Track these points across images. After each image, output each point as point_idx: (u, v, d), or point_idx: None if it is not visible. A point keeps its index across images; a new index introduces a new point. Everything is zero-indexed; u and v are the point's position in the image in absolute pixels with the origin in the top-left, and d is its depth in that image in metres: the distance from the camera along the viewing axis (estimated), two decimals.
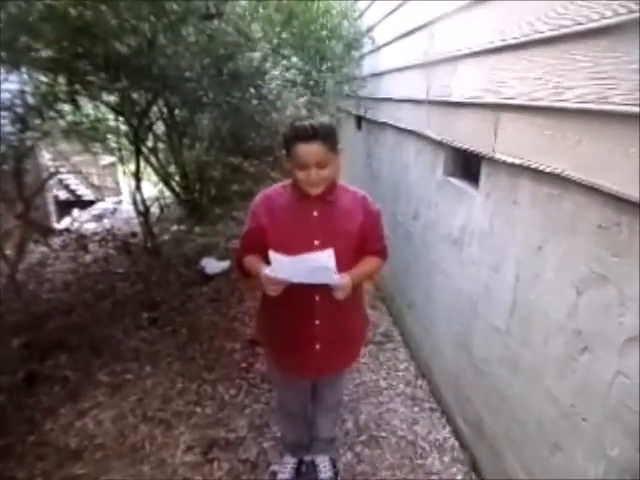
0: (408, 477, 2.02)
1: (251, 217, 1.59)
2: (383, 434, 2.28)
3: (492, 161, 1.73)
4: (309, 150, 1.40)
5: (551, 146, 1.37)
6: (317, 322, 1.55)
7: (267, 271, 1.40)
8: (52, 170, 3.24)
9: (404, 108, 2.74)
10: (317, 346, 1.59)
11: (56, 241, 4.23)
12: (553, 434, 1.41)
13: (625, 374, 1.10)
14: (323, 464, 2.00)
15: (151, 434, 2.30)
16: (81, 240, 3.92)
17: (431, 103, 2.26)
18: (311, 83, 3.39)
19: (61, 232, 4.17)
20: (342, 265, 1.40)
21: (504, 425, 1.74)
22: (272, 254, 1.36)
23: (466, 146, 1.89)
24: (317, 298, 1.52)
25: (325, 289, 1.45)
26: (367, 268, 1.60)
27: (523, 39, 1.48)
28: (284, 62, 3.46)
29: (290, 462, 2.00)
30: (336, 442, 2.11)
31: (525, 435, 1.59)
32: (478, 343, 1.94)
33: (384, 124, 3.27)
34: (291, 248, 1.37)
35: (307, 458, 2.06)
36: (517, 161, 1.54)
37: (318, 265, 1.35)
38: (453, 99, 2.01)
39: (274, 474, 2.01)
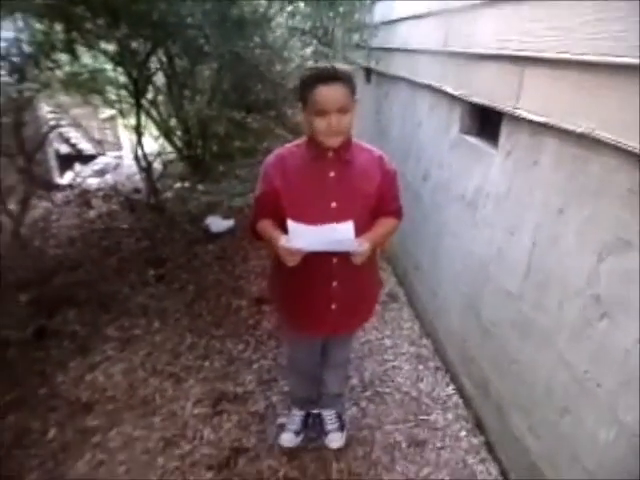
0: (413, 431, 2.07)
1: (264, 179, 1.52)
2: (387, 390, 2.32)
3: (514, 118, 1.64)
4: (330, 92, 1.31)
5: (581, 104, 1.28)
6: (334, 284, 1.54)
7: (284, 242, 1.37)
8: (53, 123, 3.13)
9: (419, 60, 2.59)
10: (333, 306, 1.58)
11: (59, 196, 4.18)
12: (563, 398, 1.42)
13: None
14: (329, 417, 2.05)
15: (161, 387, 2.35)
16: (84, 195, 3.86)
17: (449, 55, 2.13)
18: (319, 32, 3.20)
19: (64, 187, 4.11)
20: (359, 227, 1.36)
21: (511, 387, 1.76)
22: (290, 224, 1.32)
23: (486, 102, 1.80)
24: (335, 261, 1.50)
25: (342, 252, 1.43)
26: (383, 231, 1.56)
27: None
28: (290, 8, 3.25)
29: (298, 414, 2.06)
30: (343, 398, 2.16)
31: (533, 398, 1.60)
32: (487, 306, 1.93)
33: (396, 77, 3.12)
34: (307, 211, 1.34)
35: (314, 411, 2.11)
36: (542, 119, 1.46)
37: (338, 237, 1.32)
38: (473, 51, 1.89)
39: (282, 426, 2.07)
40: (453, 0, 2.09)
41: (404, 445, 2.00)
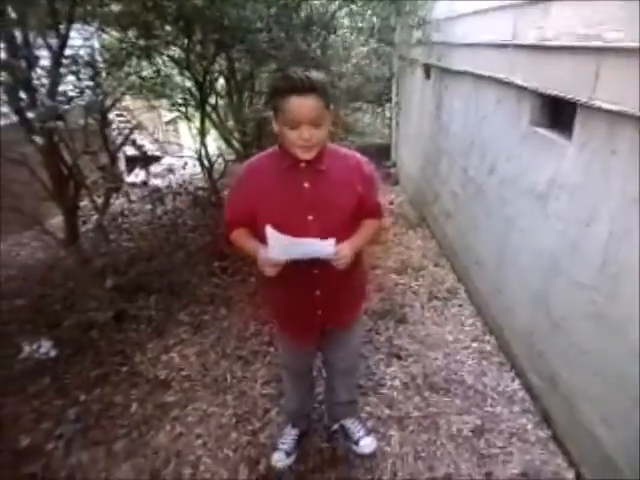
0: (477, 422, 2.08)
1: (236, 190, 1.49)
2: (451, 382, 2.34)
3: (589, 109, 1.62)
4: (303, 104, 1.25)
5: None
6: (317, 292, 1.53)
7: (263, 253, 1.35)
8: (132, 125, 3.40)
9: (484, 53, 2.59)
10: (319, 312, 1.58)
11: (132, 194, 4.50)
12: (637, 388, 1.40)
13: None
14: (353, 425, 1.98)
15: (231, 369, 2.51)
16: (156, 193, 4.13)
17: (518, 47, 2.13)
18: (381, 29, 3.26)
19: (136, 185, 4.43)
20: (338, 238, 1.35)
21: (582, 379, 1.74)
22: (270, 232, 1.29)
23: (559, 93, 1.78)
24: (316, 271, 1.47)
25: (324, 261, 1.40)
26: (365, 235, 1.55)
27: None
28: (353, 7, 3.32)
29: (292, 433, 2.00)
30: (357, 404, 2.12)
31: (606, 389, 1.59)
32: (558, 299, 1.91)
33: (458, 72, 3.12)
34: (283, 225, 1.30)
35: (335, 426, 2.07)
36: (619, 108, 1.45)
37: (318, 250, 1.32)
38: (545, 43, 1.88)
39: (274, 444, 2.01)
40: None
41: (469, 434, 2.02)
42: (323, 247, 1.30)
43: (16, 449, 2.10)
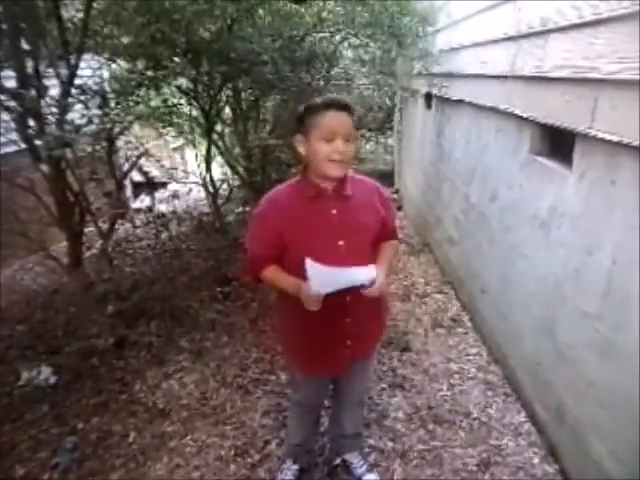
0: (482, 456, 2.02)
1: (260, 224, 1.49)
2: (455, 414, 2.28)
3: (588, 139, 1.64)
4: (340, 118, 1.34)
5: None
6: (348, 320, 1.51)
7: (306, 289, 1.32)
8: (139, 152, 3.47)
9: (484, 84, 2.64)
10: (348, 342, 1.55)
11: (137, 219, 4.55)
12: None
13: None
14: (356, 460, 1.94)
15: (231, 398, 2.47)
16: (161, 219, 4.17)
17: (517, 78, 2.17)
18: (382, 62, 3.34)
19: (142, 211, 4.48)
20: (365, 259, 1.39)
21: (590, 410, 1.69)
22: (309, 264, 1.28)
23: (558, 123, 1.81)
24: (348, 298, 1.45)
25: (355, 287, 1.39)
26: (390, 258, 1.58)
27: (624, 11, 1.38)
28: (355, 40, 3.41)
29: (291, 469, 1.92)
30: (362, 437, 2.04)
31: (615, 421, 1.54)
32: (563, 328, 1.88)
33: (459, 102, 3.17)
34: (315, 253, 1.31)
35: (337, 460, 2.00)
36: (618, 139, 1.46)
37: (359, 279, 1.31)
38: (544, 74, 1.92)
39: None
40: (521, 27, 2.14)
41: (474, 469, 1.96)
42: (364, 274, 1.31)
43: (12, 479, 2.06)
